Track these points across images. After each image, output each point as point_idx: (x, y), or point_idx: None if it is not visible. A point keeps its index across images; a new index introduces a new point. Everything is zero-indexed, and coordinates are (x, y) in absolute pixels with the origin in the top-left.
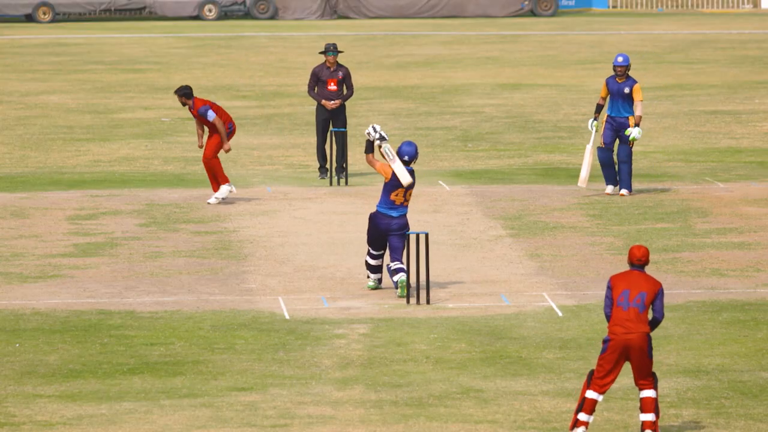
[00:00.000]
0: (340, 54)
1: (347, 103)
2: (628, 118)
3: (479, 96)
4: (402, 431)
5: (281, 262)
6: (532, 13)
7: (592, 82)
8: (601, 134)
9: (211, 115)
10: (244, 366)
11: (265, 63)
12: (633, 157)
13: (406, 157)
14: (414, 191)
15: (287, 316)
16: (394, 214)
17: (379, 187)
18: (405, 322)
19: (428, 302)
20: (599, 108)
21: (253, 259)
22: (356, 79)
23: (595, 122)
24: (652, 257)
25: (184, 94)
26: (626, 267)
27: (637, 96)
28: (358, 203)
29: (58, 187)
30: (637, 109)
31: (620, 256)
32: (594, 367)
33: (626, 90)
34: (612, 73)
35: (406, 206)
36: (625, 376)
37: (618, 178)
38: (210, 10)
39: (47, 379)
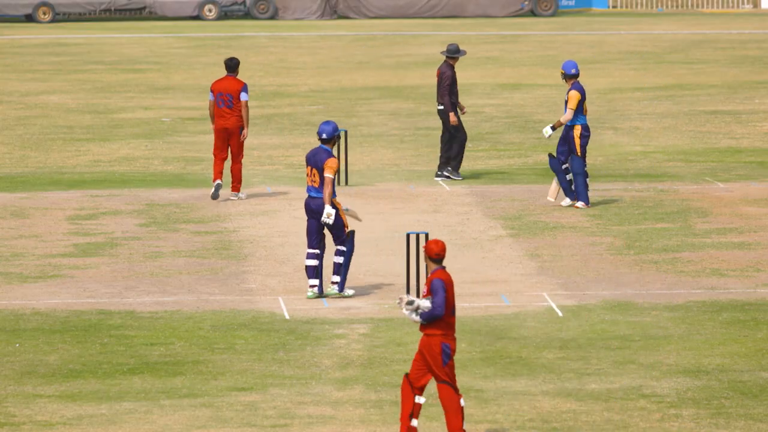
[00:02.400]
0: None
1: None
2: (572, 127)
3: (479, 96)
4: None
5: (281, 262)
6: (532, 13)
7: (592, 82)
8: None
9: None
10: (244, 366)
11: (265, 63)
12: (633, 157)
13: (323, 135)
14: (414, 191)
15: (287, 316)
16: (312, 194)
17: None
18: (405, 322)
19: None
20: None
21: (253, 259)
22: (356, 79)
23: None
24: (651, 257)
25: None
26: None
27: (569, 102)
28: (358, 203)
29: (58, 187)
30: (564, 116)
31: (620, 256)
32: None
33: (565, 97)
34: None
35: (318, 188)
36: (626, 376)
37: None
38: (210, 10)
39: (47, 379)
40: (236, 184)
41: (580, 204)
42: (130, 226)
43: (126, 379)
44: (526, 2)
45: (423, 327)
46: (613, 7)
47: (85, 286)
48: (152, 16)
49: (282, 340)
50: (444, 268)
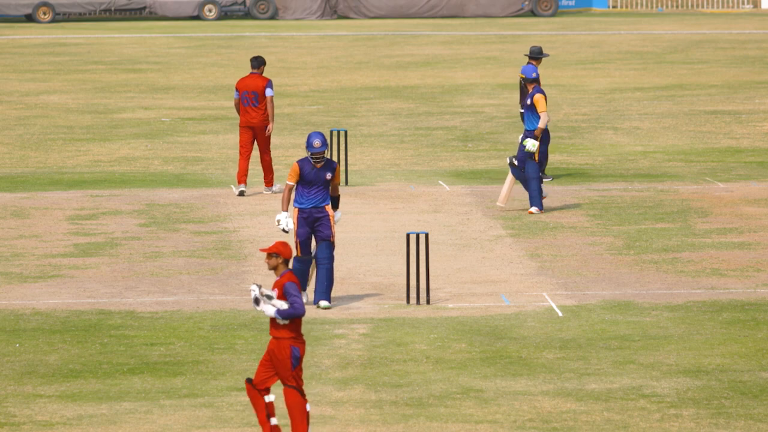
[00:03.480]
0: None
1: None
2: (532, 131)
3: (479, 96)
4: (402, 431)
5: None
6: (532, 13)
7: (592, 82)
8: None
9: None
10: (244, 366)
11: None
12: (633, 157)
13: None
14: (414, 191)
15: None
16: None
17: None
18: (405, 322)
19: (428, 302)
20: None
21: (253, 259)
22: (356, 79)
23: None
24: (651, 257)
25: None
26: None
27: (538, 107)
28: (358, 203)
29: (58, 187)
30: (540, 121)
31: (620, 256)
32: (298, 386)
33: (528, 102)
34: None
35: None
36: (626, 376)
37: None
38: (210, 10)
39: (47, 379)
40: (268, 177)
41: (534, 209)
42: (130, 226)
43: (126, 379)
44: (526, 2)
45: (273, 330)
46: (613, 7)
47: (85, 286)
48: (152, 16)
49: None
50: (290, 270)
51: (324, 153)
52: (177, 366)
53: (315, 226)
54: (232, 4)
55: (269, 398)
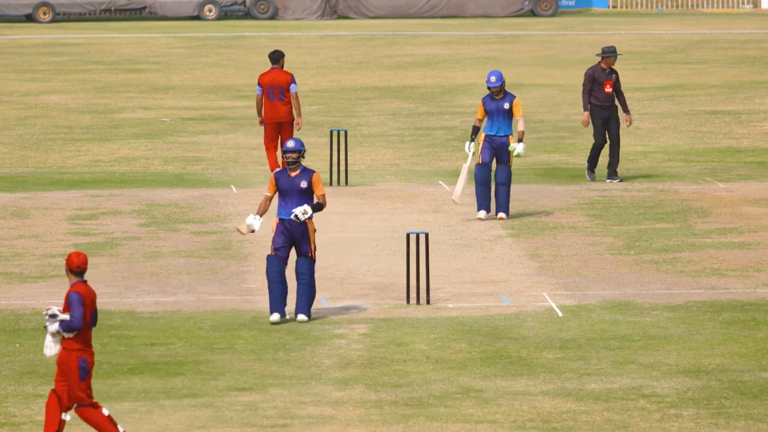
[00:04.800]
0: None
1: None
2: (508, 136)
3: (479, 96)
4: (402, 431)
5: None
6: (532, 13)
7: None
8: (479, 155)
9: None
10: (244, 366)
11: (266, 63)
12: (633, 157)
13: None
14: (414, 191)
15: (287, 316)
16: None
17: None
18: (405, 322)
19: (428, 302)
20: (476, 130)
21: (253, 259)
22: (356, 79)
23: (472, 144)
24: (651, 257)
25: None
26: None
27: (518, 111)
28: (358, 203)
29: (58, 187)
30: (520, 124)
31: (620, 256)
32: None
33: (506, 106)
34: (487, 92)
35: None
36: (626, 376)
37: (496, 201)
38: (210, 10)
39: (47, 379)
40: None
41: (502, 214)
42: (130, 226)
43: (126, 379)
44: (526, 2)
45: (62, 342)
46: (613, 7)
47: None
48: (152, 16)
49: (282, 340)
50: (85, 281)
51: (299, 154)
52: (177, 366)
53: (296, 240)
54: (232, 4)
55: (66, 417)
